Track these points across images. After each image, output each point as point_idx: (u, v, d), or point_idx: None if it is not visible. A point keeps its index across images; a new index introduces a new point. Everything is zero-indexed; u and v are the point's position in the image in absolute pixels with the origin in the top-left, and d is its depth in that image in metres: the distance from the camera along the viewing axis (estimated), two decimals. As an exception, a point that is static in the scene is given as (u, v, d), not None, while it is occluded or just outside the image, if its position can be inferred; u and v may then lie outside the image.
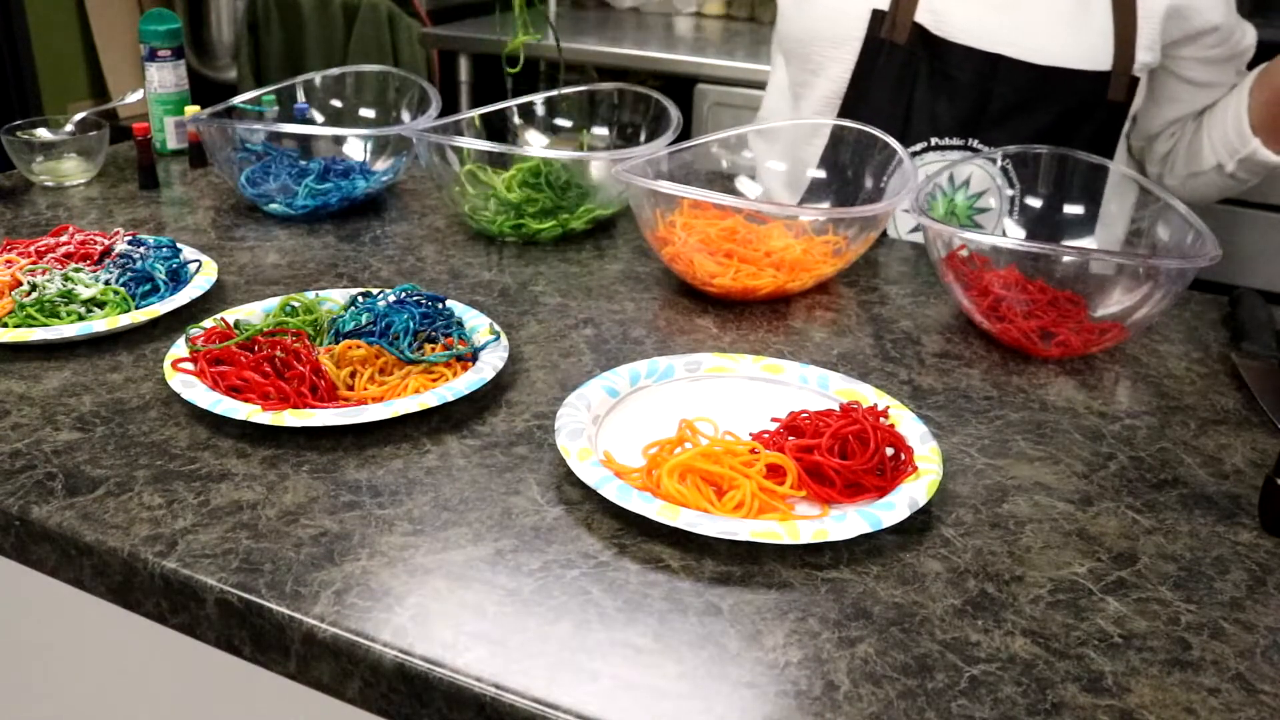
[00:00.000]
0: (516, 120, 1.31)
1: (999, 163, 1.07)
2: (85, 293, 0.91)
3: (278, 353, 0.80)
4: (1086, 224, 1.08)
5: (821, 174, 1.21)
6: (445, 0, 2.82)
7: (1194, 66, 1.20)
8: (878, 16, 1.15)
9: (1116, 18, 1.13)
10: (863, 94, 1.18)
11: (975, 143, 1.13)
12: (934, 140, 1.13)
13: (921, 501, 0.67)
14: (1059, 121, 1.15)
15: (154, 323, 0.91)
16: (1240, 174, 1.23)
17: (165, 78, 1.41)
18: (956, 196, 1.10)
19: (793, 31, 1.23)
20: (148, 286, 0.94)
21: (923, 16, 1.15)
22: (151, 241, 1.01)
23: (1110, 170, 1.05)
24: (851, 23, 1.17)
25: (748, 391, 0.83)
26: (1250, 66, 1.24)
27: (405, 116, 1.32)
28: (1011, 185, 1.08)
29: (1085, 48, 1.13)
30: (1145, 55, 1.14)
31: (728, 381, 0.84)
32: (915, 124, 1.17)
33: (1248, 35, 1.20)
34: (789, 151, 1.23)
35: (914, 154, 1.12)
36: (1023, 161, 1.09)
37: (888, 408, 0.76)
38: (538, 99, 1.31)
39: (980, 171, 1.08)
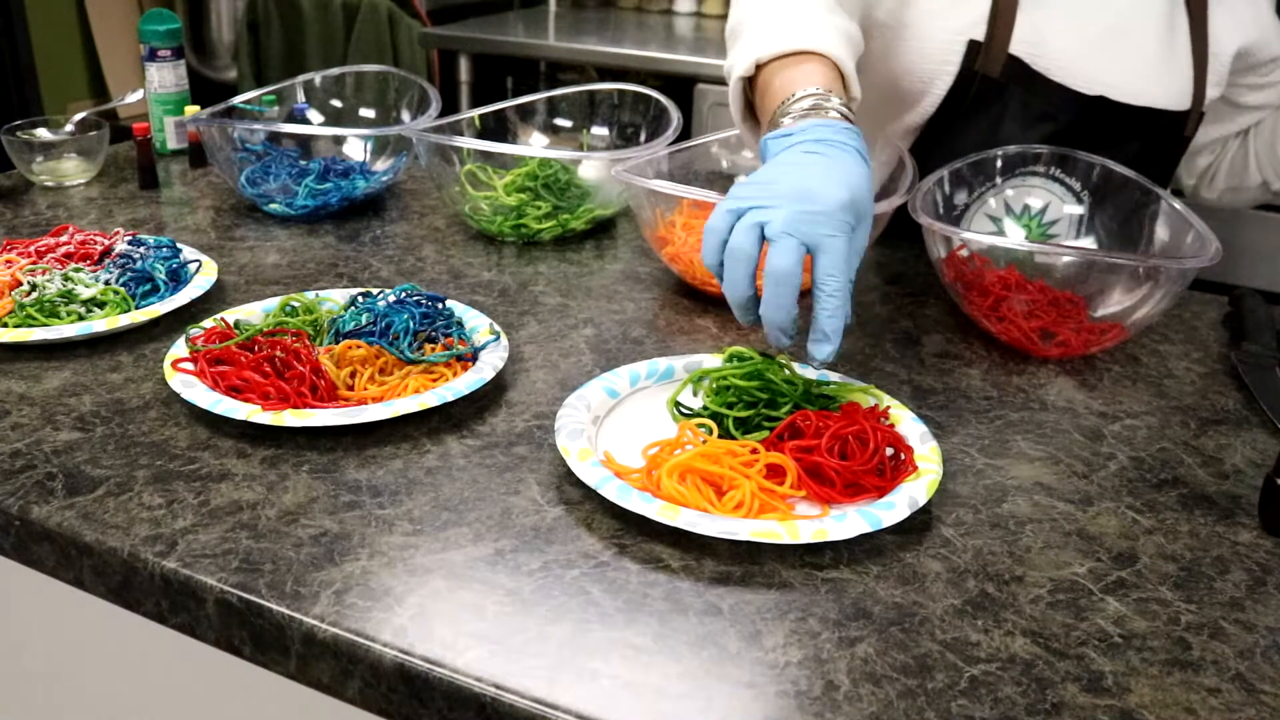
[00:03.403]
0: (516, 120, 1.31)
1: (1077, 190, 1.07)
2: (85, 293, 0.91)
3: (278, 353, 0.80)
4: (1086, 224, 1.08)
5: None
6: (445, 0, 2.82)
7: (1247, 92, 1.22)
8: (974, 47, 1.10)
9: (1195, 58, 1.14)
10: (948, 126, 1.14)
11: (1057, 173, 1.10)
12: (1018, 170, 1.09)
13: (921, 501, 0.67)
14: (1138, 156, 1.14)
15: (154, 323, 0.91)
16: None
17: (165, 78, 1.41)
18: (1030, 222, 1.09)
19: (876, 64, 1.15)
20: (148, 286, 0.94)
21: (1018, 48, 1.10)
22: (151, 241, 1.01)
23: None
24: (948, 53, 1.11)
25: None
26: None
27: (405, 116, 1.32)
28: (1077, 199, 1.08)
29: (1172, 90, 1.13)
30: (1213, 91, 1.16)
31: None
32: (1002, 155, 1.13)
33: None
34: None
35: (993, 186, 1.09)
36: (1022, 161, 1.09)
37: (888, 408, 0.76)
38: (538, 99, 1.31)
39: (1057, 201, 1.07)
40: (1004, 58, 1.10)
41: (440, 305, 0.88)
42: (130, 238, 1.01)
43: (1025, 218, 1.09)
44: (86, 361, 0.86)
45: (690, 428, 0.74)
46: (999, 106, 1.12)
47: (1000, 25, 1.09)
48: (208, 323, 0.85)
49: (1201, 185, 1.33)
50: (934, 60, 1.12)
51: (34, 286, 0.91)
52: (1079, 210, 1.07)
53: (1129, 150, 1.13)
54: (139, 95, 1.46)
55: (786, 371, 0.77)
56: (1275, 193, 1.26)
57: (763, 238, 0.74)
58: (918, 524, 0.68)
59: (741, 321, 0.77)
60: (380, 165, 1.27)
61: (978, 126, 1.13)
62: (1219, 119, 1.25)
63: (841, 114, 0.81)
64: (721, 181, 1.21)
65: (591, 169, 1.24)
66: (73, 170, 1.30)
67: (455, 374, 0.82)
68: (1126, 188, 1.05)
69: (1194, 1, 1.13)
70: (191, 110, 1.38)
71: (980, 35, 1.10)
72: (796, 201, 0.73)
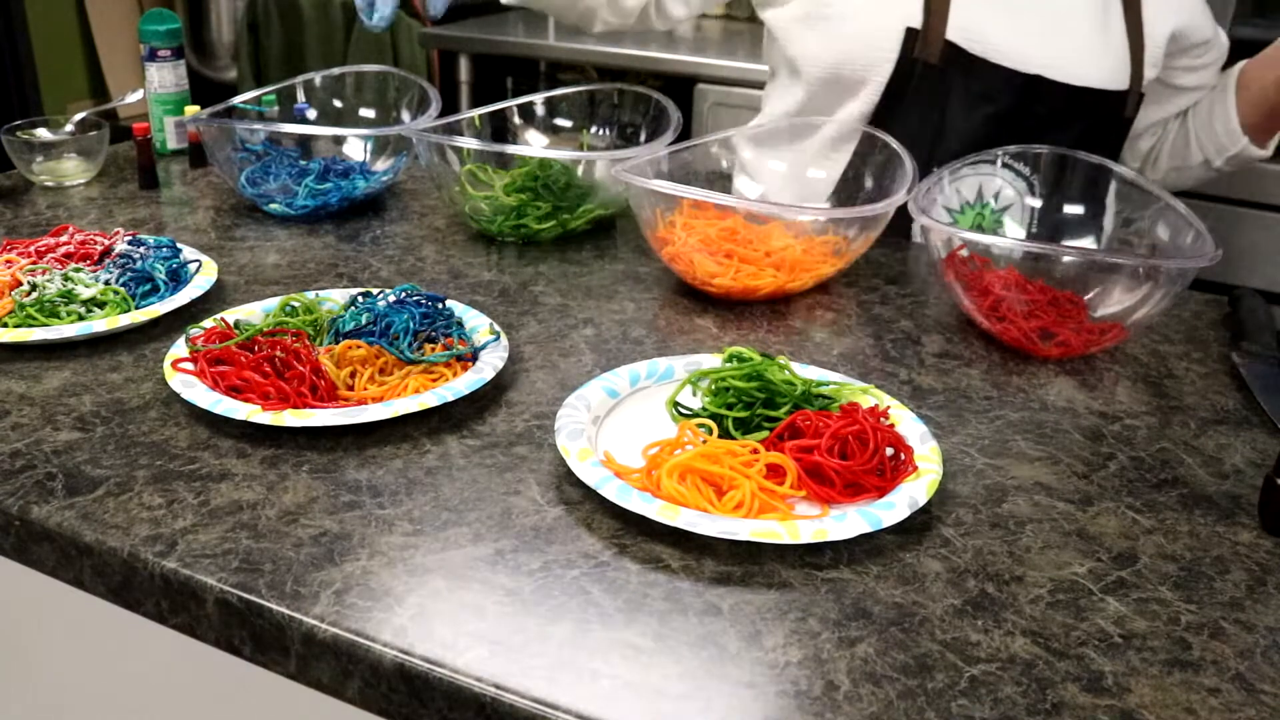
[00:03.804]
0: (516, 120, 1.31)
1: (1027, 175, 1.09)
2: (85, 293, 0.91)
3: (278, 353, 0.79)
4: (1087, 224, 1.08)
5: (821, 174, 1.21)
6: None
7: (1182, 74, 1.28)
8: (911, 35, 1.14)
9: (1131, 39, 1.18)
10: (892, 112, 1.17)
11: (1006, 158, 1.12)
12: (968, 157, 1.11)
13: (921, 501, 0.67)
14: (1081, 138, 1.17)
15: (154, 323, 0.91)
16: (1226, 168, 1.30)
17: (165, 78, 1.41)
18: (985, 210, 1.10)
19: (818, 54, 1.19)
20: (148, 286, 0.94)
21: (954, 34, 1.14)
22: (151, 241, 1.01)
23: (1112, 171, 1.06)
24: (885, 42, 1.15)
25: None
26: (1225, 66, 1.31)
27: (405, 116, 1.32)
28: (1034, 193, 1.10)
29: (1109, 69, 1.17)
30: (1150, 72, 1.20)
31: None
32: (947, 141, 1.16)
33: (1225, 39, 1.28)
34: (798, 171, 1.21)
35: (950, 171, 1.11)
36: (1022, 161, 1.09)
37: (888, 408, 0.76)
38: (538, 99, 1.31)
39: (1009, 188, 1.09)
40: (941, 44, 1.13)
41: (440, 305, 0.88)
42: (130, 238, 1.01)
43: (979, 205, 1.11)
44: (86, 361, 0.86)
45: (690, 428, 0.74)
46: (941, 91, 1.16)
47: (936, 13, 1.13)
48: (208, 323, 0.85)
49: (1146, 168, 1.37)
50: (873, 49, 1.16)
51: (34, 286, 0.91)
52: (1032, 201, 1.08)
53: (1073, 132, 1.17)
54: (139, 95, 1.46)
55: (786, 372, 0.77)
56: (1216, 169, 1.31)
57: None
58: (918, 524, 0.68)
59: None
60: (380, 165, 1.27)
61: (922, 112, 1.17)
62: (1158, 102, 1.30)
63: None
64: (721, 181, 1.21)
65: (591, 169, 1.24)
66: (73, 170, 1.30)
67: (455, 374, 0.82)
68: (1077, 169, 1.06)
69: None
70: (191, 110, 1.38)
71: (917, 23, 1.14)
72: None
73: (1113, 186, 1.06)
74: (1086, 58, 1.16)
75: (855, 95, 1.19)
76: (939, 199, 1.09)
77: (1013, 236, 1.08)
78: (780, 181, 1.24)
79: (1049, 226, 1.08)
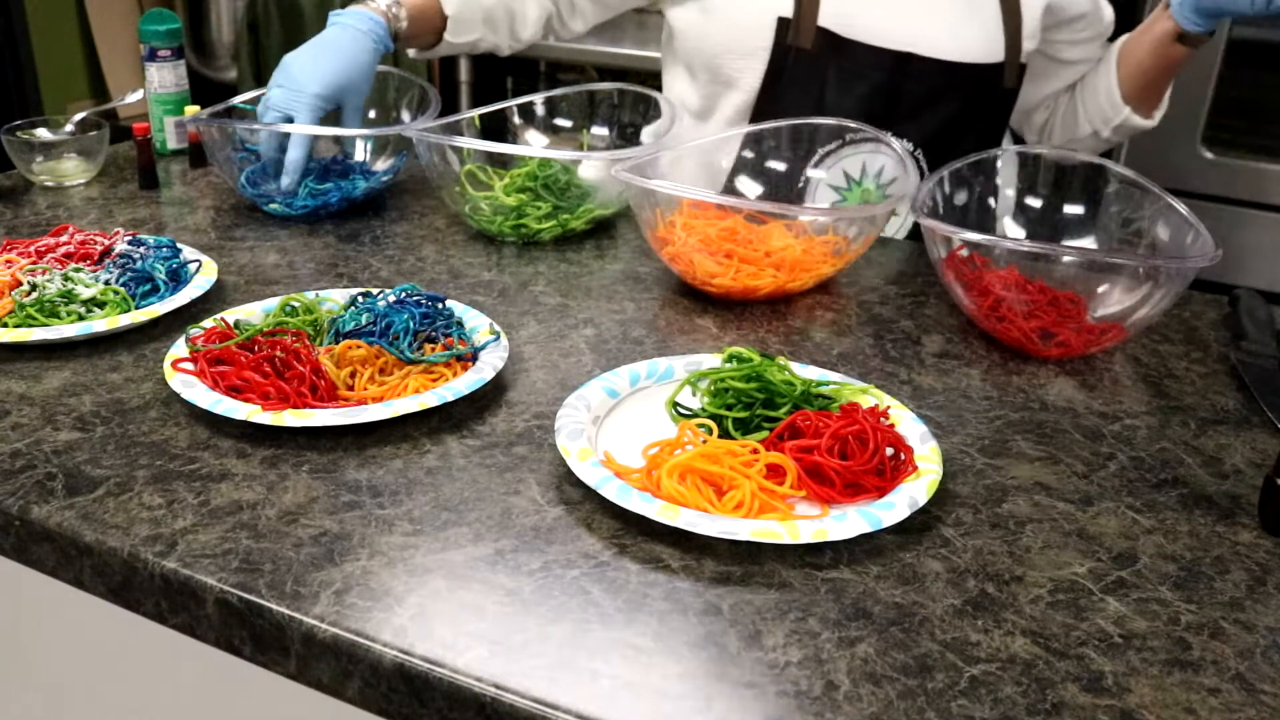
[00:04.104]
0: (516, 120, 1.31)
1: (911, 150, 1.15)
2: (85, 293, 0.91)
3: (278, 353, 0.79)
4: (1086, 224, 1.08)
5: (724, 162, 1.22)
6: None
7: (1066, 48, 1.32)
8: (783, 24, 1.18)
9: (1004, 12, 1.22)
10: (774, 100, 1.21)
11: (888, 137, 1.16)
12: (848, 137, 1.16)
13: (921, 501, 0.67)
14: (962, 111, 1.23)
15: (154, 323, 0.91)
16: (1113, 138, 1.34)
17: (165, 78, 1.41)
18: (868, 185, 1.14)
19: (698, 47, 1.25)
20: (148, 286, 0.94)
21: (826, 20, 1.18)
22: (151, 241, 1.01)
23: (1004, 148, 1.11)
24: (758, 32, 1.20)
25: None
26: (1112, 39, 1.34)
27: (405, 116, 1.32)
28: (921, 172, 1.14)
29: (981, 42, 1.21)
30: (1029, 44, 1.24)
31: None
32: (828, 124, 1.19)
33: (1108, 13, 1.31)
34: (704, 167, 1.23)
35: (828, 152, 1.15)
36: (1021, 161, 1.09)
37: (888, 408, 0.76)
38: (538, 99, 1.31)
39: (891, 161, 1.12)
40: (814, 31, 1.17)
41: (440, 305, 0.88)
42: (130, 238, 1.01)
43: (864, 181, 1.14)
44: (86, 361, 0.86)
45: (690, 428, 0.74)
46: (818, 75, 1.19)
47: (807, 1, 1.17)
48: (208, 323, 0.85)
49: (1043, 140, 1.43)
50: (747, 40, 1.20)
51: (34, 286, 0.91)
52: (913, 176, 1.10)
53: (954, 105, 1.22)
54: (139, 95, 1.46)
55: (785, 373, 0.77)
56: (1106, 140, 1.34)
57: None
58: (918, 524, 0.68)
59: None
60: (380, 165, 1.27)
61: (801, 97, 1.20)
62: (1047, 76, 1.35)
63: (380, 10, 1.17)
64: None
65: (591, 169, 1.24)
66: (73, 170, 1.30)
67: (455, 374, 0.82)
68: (1077, 169, 1.08)
69: None
70: (191, 110, 1.38)
71: (788, 12, 1.18)
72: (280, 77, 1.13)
73: (1112, 186, 1.06)
74: (957, 33, 1.20)
75: (736, 85, 1.23)
76: (825, 178, 1.14)
77: (1012, 236, 1.08)
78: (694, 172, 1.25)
79: (1049, 226, 1.09)
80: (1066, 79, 1.35)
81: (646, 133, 1.27)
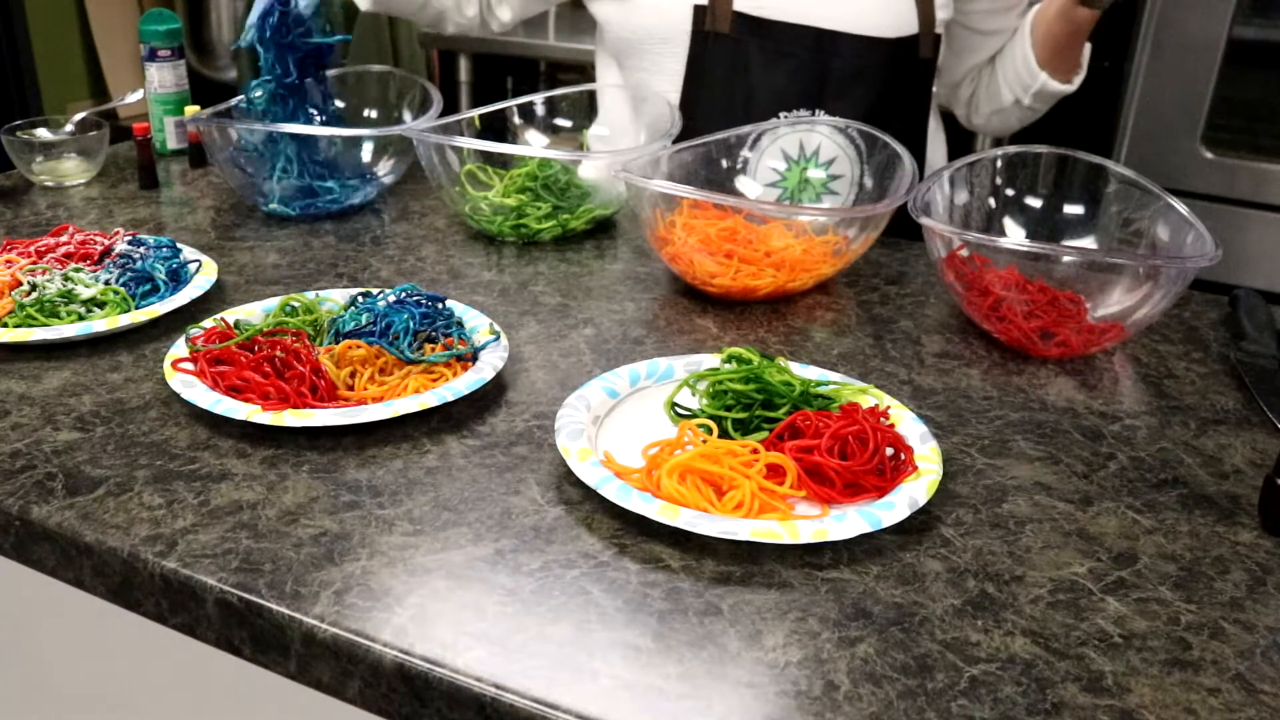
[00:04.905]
0: (516, 120, 1.31)
1: (847, 130, 1.15)
2: (85, 293, 0.91)
3: (278, 353, 0.80)
4: (1086, 224, 1.08)
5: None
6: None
7: (982, 18, 1.33)
8: (699, 11, 1.20)
9: None
10: (700, 85, 1.23)
11: (821, 114, 1.17)
12: (782, 115, 1.18)
13: (921, 501, 0.67)
14: (888, 86, 1.24)
15: (154, 323, 0.91)
16: (1036, 105, 1.35)
17: (165, 78, 1.41)
18: (807, 166, 1.16)
19: (620, 36, 1.26)
20: (148, 286, 0.94)
21: (741, 4, 1.20)
22: (151, 241, 1.01)
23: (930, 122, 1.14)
24: (675, 20, 1.21)
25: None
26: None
27: (406, 116, 1.32)
28: (860, 154, 1.16)
29: (894, 16, 1.23)
30: (942, 13, 1.26)
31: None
32: (759, 104, 1.22)
33: None
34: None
35: (764, 131, 1.16)
36: (1021, 161, 1.09)
37: (888, 408, 0.76)
38: (538, 99, 1.31)
39: (829, 141, 1.13)
40: (730, 15, 1.19)
41: (440, 305, 0.88)
42: (130, 238, 1.01)
43: (802, 160, 1.16)
44: (86, 361, 0.86)
45: (690, 428, 0.74)
46: (740, 57, 1.21)
47: None
48: (208, 323, 0.85)
49: (971, 114, 1.45)
50: (666, 29, 1.22)
51: (34, 286, 0.91)
52: (856, 164, 1.11)
53: (879, 79, 1.23)
54: (139, 95, 1.47)
55: (784, 374, 0.77)
56: (1029, 108, 1.35)
57: None
58: (918, 524, 0.68)
59: None
60: (380, 165, 1.27)
61: (728, 80, 1.22)
62: (969, 48, 1.37)
63: None
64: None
65: (591, 169, 1.24)
66: (73, 170, 1.30)
67: (455, 374, 0.82)
68: (1078, 169, 1.08)
69: None
70: (191, 110, 1.38)
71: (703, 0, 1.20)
72: None
73: (1112, 186, 1.06)
74: (871, 8, 1.22)
75: (661, 71, 1.25)
76: (765, 160, 1.15)
77: (1012, 236, 1.08)
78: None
79: (1049, 226, 1.09)
80: (987, 50, 1.37)
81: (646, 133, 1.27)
